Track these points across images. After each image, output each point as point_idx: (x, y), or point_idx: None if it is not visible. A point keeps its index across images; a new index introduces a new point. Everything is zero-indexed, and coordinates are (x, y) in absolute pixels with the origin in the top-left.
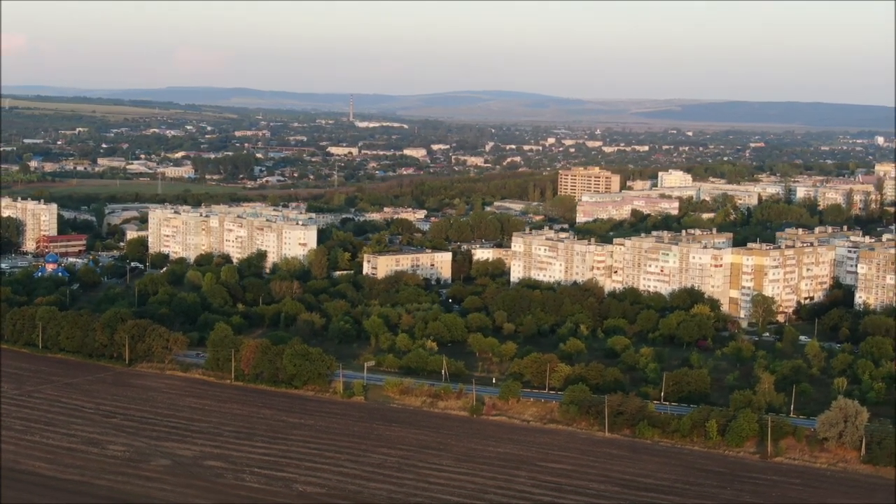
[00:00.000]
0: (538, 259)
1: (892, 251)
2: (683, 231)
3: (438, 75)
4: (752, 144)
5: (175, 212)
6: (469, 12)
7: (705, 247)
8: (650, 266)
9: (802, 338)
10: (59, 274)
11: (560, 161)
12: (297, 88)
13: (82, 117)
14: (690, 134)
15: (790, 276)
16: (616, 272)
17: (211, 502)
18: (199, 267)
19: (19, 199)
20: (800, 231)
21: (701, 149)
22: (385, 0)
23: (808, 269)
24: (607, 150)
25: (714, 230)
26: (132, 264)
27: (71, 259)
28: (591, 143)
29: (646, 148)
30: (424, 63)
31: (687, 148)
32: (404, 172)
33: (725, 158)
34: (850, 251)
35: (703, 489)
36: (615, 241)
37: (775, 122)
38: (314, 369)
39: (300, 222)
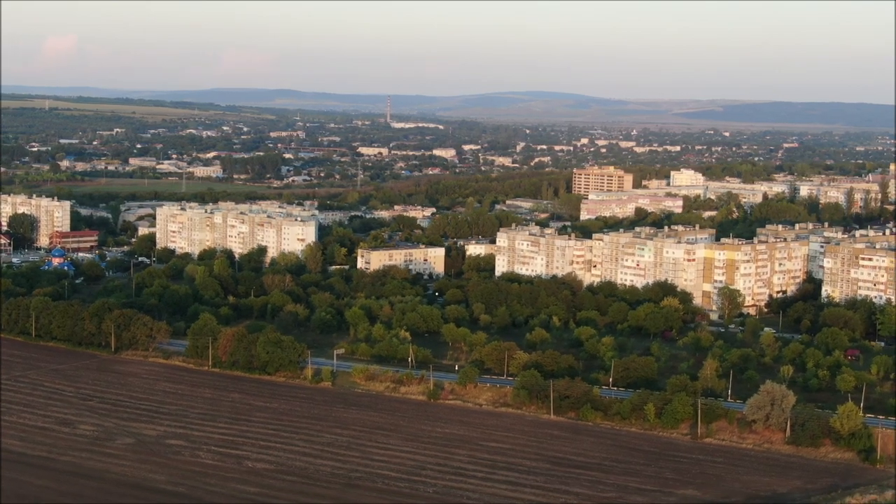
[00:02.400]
0: (521, 253)
1: (858, 246)
2: (666, 227)
3: (481, 76)
4: (786, 145)
5: (181, 208)
6: (513, 13)
7: (679, 242)
8: (626, 260)
9: (767, 329)
10: (65, 268)
11: (589, 161)
12: (339, 90)
13: (121, 118)
14: (727, 134)
15: (762, 270)
16: (595, 266)
17: (163, 476)
18: (201, 261)
19: (34, 196)
20: (779, 227)
21: (734, 149)
22: (430, 1)
23: (780, 264)
24: (639, 150)
25: (697, 226)
26: (139, 259)
27: (81, 254)
28: (624, 144)
29: (678, 148)
30: (467, 64)
31: (720, 148)
32: (430, 172)
33: (757, 158)
34: (821, 246)
35: (628, 466)
36: (594, 236)
37: (817, 122)
38: (285, 356)
39: (299, 219)
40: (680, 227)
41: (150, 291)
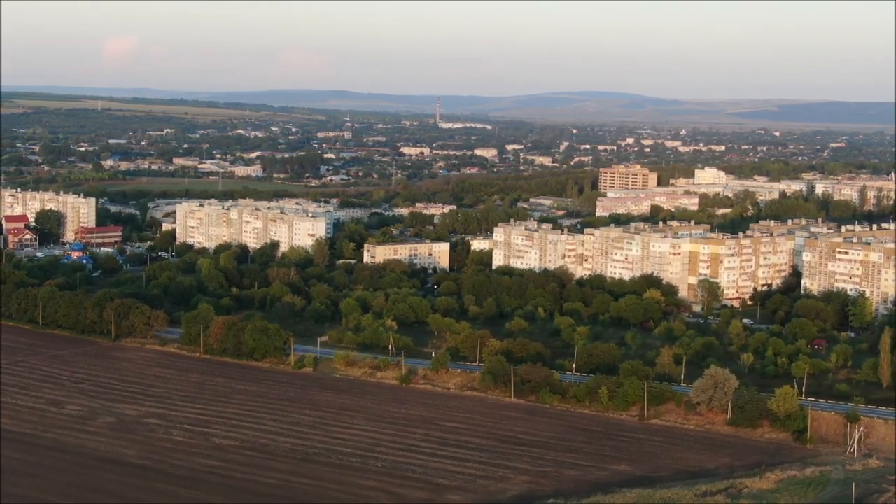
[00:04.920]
0: (516, 248)
1: (835, 241)
2: (660, 223)
3: (535, 77)
4: (833, 144)
5: (200, 205)
6: (569, 13)
7: (665, 236)
8: (616, 254)
9: (746, 320)
10: (83, 261)
11: (631, 160)
12: (394, 90)
13: (172, 118)
14: (777, 134)
15: (747, 264)
16: (587, 260)
17: (133, 451)
18: (213, 255)
19: (61, 193)
20: (772, 223)
21: (780, 148)
22: (485, 1)
23: (765, 258)
24: (683, 149)
25: (692, 222)
26: (158, 253)
27: (104, 249)
28: (670, 143)
29: (722, 148)
30: (522, 64)
31: (766, 147)
32: (468, 171)
33: (802, 158)
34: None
35: (571, 444)
36: (586, 230)
37: (872, 122)
38: (271, 343)
39: (310, 214)
40: (675, 223)
41: (156, 283)
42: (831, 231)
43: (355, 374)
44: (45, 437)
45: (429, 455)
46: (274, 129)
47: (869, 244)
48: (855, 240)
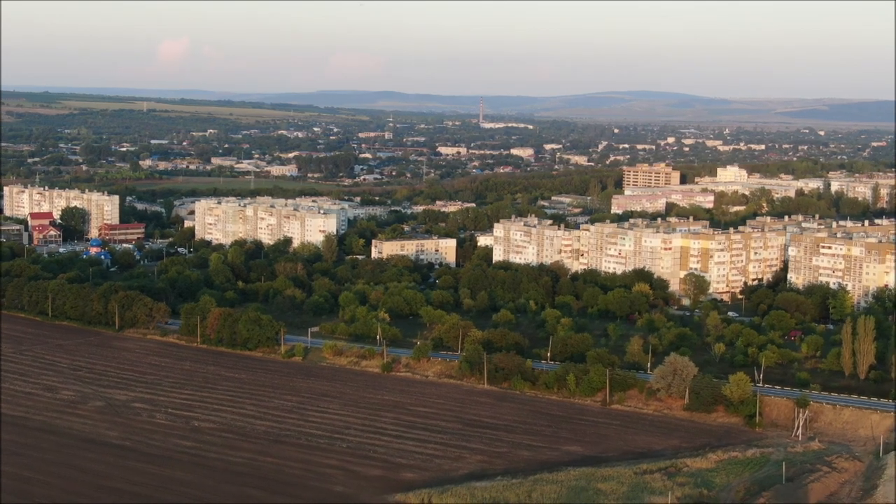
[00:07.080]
0: (515, 243)
1: (819, 235)
2: (658, 219)
3: (585, 76)
4: (874, 143)
5: (217, 202)
6: (619, 13)
7: (657, 232)
8: (610, 249)
9: (731, 313)
10: (101, 256)
11: (668, 159)
12: (442, 91)
13: (216, 119)
14: (822, 133)
15: (737, 258)
16: (582, 255)
17: (116, 433)
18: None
19: (86, 191)
20: (767, 219)
21: (821, 147)
22: (536, 1)
23: (756, 253)
24: (723, 149)
25: (690, 218)
26: (176, 249)
27: (125, 245)
28: (710, 142)
29: (762, 147)
30: (571, 64)
31: (806, 147)
32: (501, 171)
33: (841, 157)
34: None
35: (531, 427)
36: (582, 226)
37: None
38: (263, 333)
39: (322, 211)
40: (673, 219)
41: (165, 277)
42: (821, 226)
43: (342, 363)
44: (35, 420)
45: (394, 437)
46: (316, 129)
47: (851, 239)
48: (839, 235)
